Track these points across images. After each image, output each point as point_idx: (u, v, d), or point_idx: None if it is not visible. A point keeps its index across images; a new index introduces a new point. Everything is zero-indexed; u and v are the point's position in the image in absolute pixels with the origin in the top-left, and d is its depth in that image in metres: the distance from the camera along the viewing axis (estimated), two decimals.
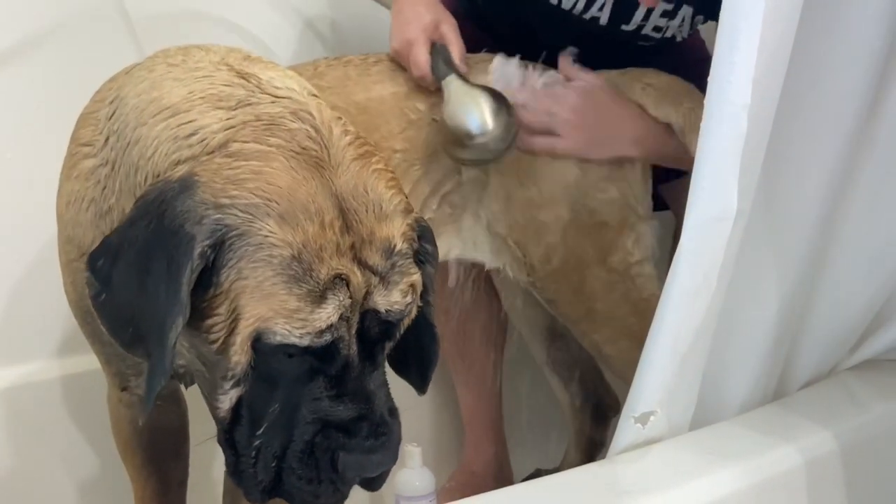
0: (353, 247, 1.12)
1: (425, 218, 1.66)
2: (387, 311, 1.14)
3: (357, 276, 1.11)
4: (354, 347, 1.13)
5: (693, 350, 1.41)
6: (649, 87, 1.74)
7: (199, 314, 1.11)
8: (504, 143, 1.66)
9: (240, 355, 1.11)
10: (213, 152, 1.14)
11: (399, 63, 1.75)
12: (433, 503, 1.88)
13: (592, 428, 2.10)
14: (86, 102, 1.41)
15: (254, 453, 1.15)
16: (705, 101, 1.31)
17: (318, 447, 1.13)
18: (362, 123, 1.63)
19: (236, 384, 1.13)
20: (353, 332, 1.13)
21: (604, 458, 1.48)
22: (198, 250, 1.07)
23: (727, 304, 1.45)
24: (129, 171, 1.24)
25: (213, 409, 1.18)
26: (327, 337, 1.10)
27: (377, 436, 1.13)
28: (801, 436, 1.48)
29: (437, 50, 1.72)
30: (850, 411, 1.60)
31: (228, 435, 1.17)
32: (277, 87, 1.23)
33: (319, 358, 1.12)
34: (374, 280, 1.13)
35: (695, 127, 1.43)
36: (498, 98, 1.68)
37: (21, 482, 1.82)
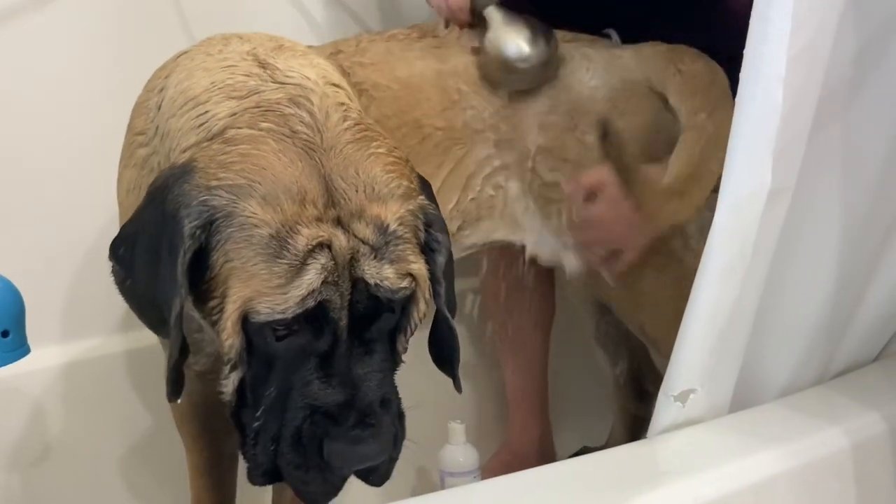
0: (338, 219, 1.12)
1: (468, 199, 1.69)
2: (376, 284, 1.13)
3: (340, 240, 1.11)
4: (345, 318, 1.13)
5: (732, 328, 1.39)
6: (679, 74, 1.69)
7: (202, 297, 1.13)
8: (543, 70, 1.70)
9: (232, 338, 1.12)
10: (212, 138, 1.17)
11: (442, 41, 1.73)
12: (477, 479, 1.89)
13: (636, 405, 2.08)
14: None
15: (254, 435, 1.17)
16: (741, 74, 1.28)
17: (306, 434, 1.14)
18: (404, 99, 1.64)
19: (234, 367, 1.16)
20: (345, 301, 1.12)
21: (644, 437, 1.46)
22: (187, 231, 1.10)
23: (774, 283, 1.42)
24: (164, 161, 1.28)
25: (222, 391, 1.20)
26: (310, 302, 1.10)
27: (363, 426, 1.13)
28: (848, 418, 1.45)
29: None
30: None
31: (236, 416, 1.20)
32: (290, 76, 1.25)
33: (310, 324, 1.12)
34: (364, 249, 1.13)
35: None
36: (537, 26, 1.71)
37: (83, 453, 1.87)
